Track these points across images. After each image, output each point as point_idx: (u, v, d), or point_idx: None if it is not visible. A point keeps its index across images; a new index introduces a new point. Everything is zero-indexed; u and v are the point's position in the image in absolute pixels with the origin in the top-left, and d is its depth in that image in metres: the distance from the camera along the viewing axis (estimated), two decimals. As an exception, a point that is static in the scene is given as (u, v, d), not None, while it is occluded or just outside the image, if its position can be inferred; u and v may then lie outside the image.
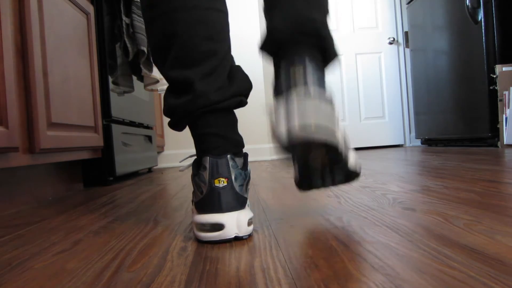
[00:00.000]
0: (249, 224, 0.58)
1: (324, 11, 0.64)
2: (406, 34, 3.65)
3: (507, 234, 0.50)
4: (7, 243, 0.67)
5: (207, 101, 0.61)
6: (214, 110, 0.61)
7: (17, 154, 1.02)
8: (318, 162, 0.62)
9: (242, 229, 0.57)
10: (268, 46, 0.64)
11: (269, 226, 0.66)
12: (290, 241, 0.55)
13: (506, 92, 2.38)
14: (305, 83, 0.55)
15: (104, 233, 0.69)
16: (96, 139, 1.52)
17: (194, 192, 0.62)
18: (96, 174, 1.64)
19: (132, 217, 0.84)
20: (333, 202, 0.83)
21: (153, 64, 1.69)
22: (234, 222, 0.56)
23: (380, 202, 0.79)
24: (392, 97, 3.73)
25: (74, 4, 1.41)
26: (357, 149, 3.67)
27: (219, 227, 0.56)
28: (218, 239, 0.56)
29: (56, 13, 1.26)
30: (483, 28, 2.52)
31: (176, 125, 0.66)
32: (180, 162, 0.82)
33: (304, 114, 0.51)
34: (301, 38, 0.60)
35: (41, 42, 1.15)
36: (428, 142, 3.38)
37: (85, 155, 1.47)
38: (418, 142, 3.67)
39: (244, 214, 0.58)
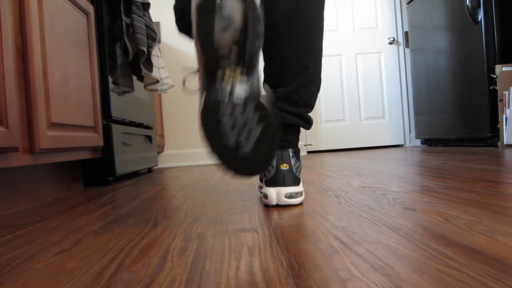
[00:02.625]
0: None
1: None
2: (406, 34, 3.65)
3: (507, 234, 0.50)
4: (7, 243, 0.67)
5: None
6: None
7: (17, 154, 1.02)
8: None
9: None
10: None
11: (269, 226, 0.66)
12: (290, 241, 0.55)
13: (506, 92, 2.38)
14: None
15: (104, 233, 0.69)
16: (96, 139, 1.52)
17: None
18: (96, 174, 1.64)
19: (132, 217, 0.84)
20: (333, 202, 0.83)
21: (153, 65, 1.70)
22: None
23: (380, 202, 0.79)
24: (392, 97, 3.73)
25: (74, 4, 1.41)
26: (357, 149, 3.67)
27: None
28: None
29: (56, 13, 1.26)
30: (483, 28, 2.52)
31: None
32: None
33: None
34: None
35: (41, 42, 1.15)
36: (428, 142, 3.38)
37: (85, 155, 1.47)
38: (418, 142, 3.67)
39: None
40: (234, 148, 0.62)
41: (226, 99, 0.59)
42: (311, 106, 0.88)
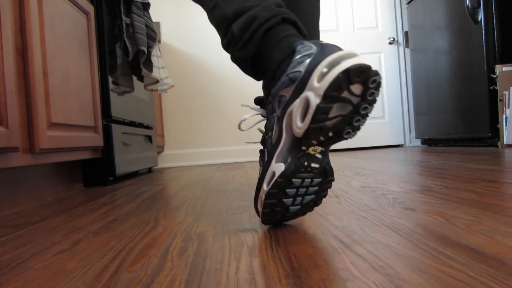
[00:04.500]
0: None
1: None
2: (406, 34, 3.65)
3: (507, 234, 0.50)
4: (7, 243, 0.67)
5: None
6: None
7: (17, 154, 1.02)
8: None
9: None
10: None
11: (269, 226, 0.66)
12: (290, 241, 0.55)
13: (506, 92, 2.38)
14: None
15: (104, 233, 0.69)
16: (96, 139, 1.52)
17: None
18: (96, 174, 1.64)
19: (132, 217, 0.84)
20: (333, 202, 0.83)
21: (153, 65, 1.70)
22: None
23: (380, 202, 0.79)
24: (392, 97, 3.73)
25: (74, 4, 1.41)
26: (357, 149, 3.67)
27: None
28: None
29: (56, 13, 1.26)
30: (483, 28, 2.52)
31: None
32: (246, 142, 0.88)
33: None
34: None
35: (41, 42, 1.15)
36: (428, 142, 3.38)
37: (85, 155, 1.47)
38: (418, 142, 3.67)
39: None
40: (286, 208, 0.61)
41: (304, 171, 0.58)
42: None
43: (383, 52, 3.71)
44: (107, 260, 0.52)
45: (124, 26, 1.56)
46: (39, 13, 1.15)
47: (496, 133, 2.49)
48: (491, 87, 2.49)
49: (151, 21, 1.73)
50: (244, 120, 0.72)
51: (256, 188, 0.63)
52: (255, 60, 0.65)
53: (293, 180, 0.57)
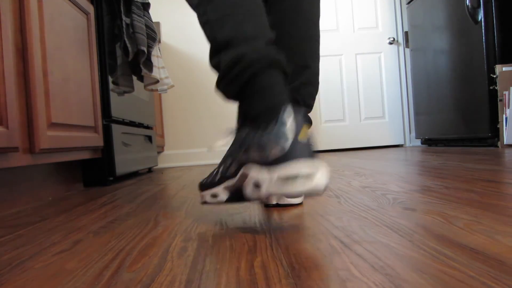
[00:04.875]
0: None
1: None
2: (406, 34, 3.65)
3: (507, 234, 0.50)
4: (7, 243, 0.67)
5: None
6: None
7: (17, 154, 1.02)
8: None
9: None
10: None
11: (269, 226, 0.66)
12: (290, 241, 0.55)
13: (506, 92, 2.38)
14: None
15: (104, 233, 0.69)
16: (96, 139, 1.52)
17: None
18: (96, 174, 1.64)
19: (132, 217, 0.84)
20: (333, 202, 0.83)
21: (153, 65, 1.70)
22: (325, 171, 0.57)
23: (380, 202, 0.79)
24: (392, 97, 3.73)
25: (74, 4, 1.41)
26: (357, 149, 3.67)
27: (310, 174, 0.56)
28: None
29: (56, 13, 1.26)
30: (483, 28, 2.52)
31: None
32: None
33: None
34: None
35: (41, 42, 1.15)
36: (428, 142, 3.38)
37: (85, 155, 1.47)
38: (418, 142, 3.67)
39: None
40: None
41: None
42: (310, 106, 0.89)
43: (383, 52, 3.71)
44: (107, 260, 0.52)
45: (124, 26, 1.56)
46: (39, 13, 1.15)
47: (496, 133, 2.49)
48: (491, 87, 2.49)
49: (151, 21, 1.73)
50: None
51: (208, 184, 0.70)
52: (238, 92, 0.66)
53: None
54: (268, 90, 0.62)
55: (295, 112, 0.59)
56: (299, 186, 0.54)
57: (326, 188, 0.54)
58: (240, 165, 0.63)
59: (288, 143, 0.57)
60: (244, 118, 0.65)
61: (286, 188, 0.55)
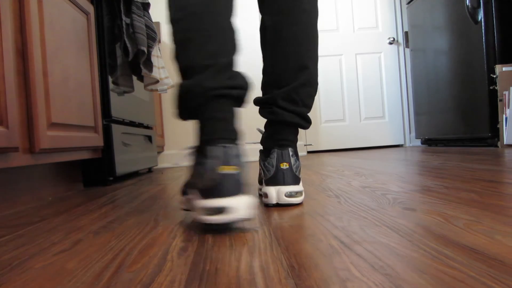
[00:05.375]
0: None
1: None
2: (406, 34, 3.65)
3: (507, 234, 0.50)
4: (7, 243, 0.67)
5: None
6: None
7: (17, 154, 1.02)
8: None
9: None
10: None
11: (269, 226, 0.66)
12: (290, 241, 0.55)
13: (506, 92, 2.38)
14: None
15: (104, 233, 0.69)
16: (96, 139, 1.52)
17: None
18: (96, 174, 1.64)
19: (132, 217, 0.84)
20: (333, 202, 0.83)
21: (153, 65, 1.70)
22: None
23: (380, 202, 0.79)
24: (392, 97, 3.73)
25: (74, 4, 1.41)
26: (357, 149, 3.67)
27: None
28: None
29: (56, 13, 1.26)
30: (483, 28, 2.52)
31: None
32: None
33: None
34: None
35: (41, 42, 1.15)
36: (428, 142, 3.38)
37: (85, 155, 1.47)
38: (418, 142, 3.67)
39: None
40: None
41: None
42: (309, 107, 0.89)
43: (383, 52, 3.71)
44: (107, 260, 0.52)
45: (124, 26, 1.56)
46: (39, 13, 1.15)
47: (496, 133, 2.49)
48: (491, 87, 2.49)
49: (151, 21, 1.73)
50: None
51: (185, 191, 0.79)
52: (187, 118, 0.74)
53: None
54: (208, 122, 0.69)
55: (228, 147, 0.65)
56: (221, 218, 0.61)
57: (250, 218, 0.62)
58: (188, 186, 0.72)
59: (215, 177, 0.63)
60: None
61: (209, 218, 0.62)
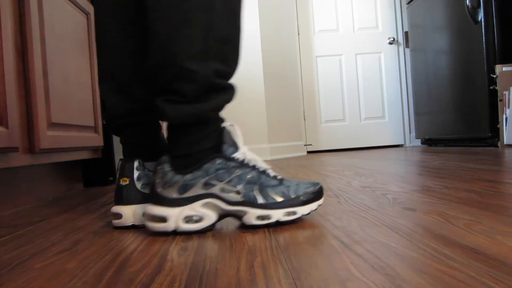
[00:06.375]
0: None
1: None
2: (406, 34, 3.65)
3: (507, 234, 0.50)
4: (7, 243, 0.67)
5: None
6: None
7: (17, 154, 1.02)
8: None
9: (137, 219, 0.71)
10: None
11: (269, 226, 0.66)
12: (290, 241, 0.55)
13: (506, 92, 2.38)
14: None
15: (104, 233, 0.69)
16: (96, 139, 1.52)
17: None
18: (96, 174, 1.64)
19: (132, 217, 0.84)
20: (333, 202, 0.83)
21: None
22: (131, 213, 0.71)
23: (380, 202, 0.79)
24: (392, 97, 3.73)
25: (74, 4, 1.41)
26: (357, 149, 3.67)
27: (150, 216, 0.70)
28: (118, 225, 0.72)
29: (56, 13, 1.26)
30: (483, 28, 2.52)
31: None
32: None
33: None
34: None
35: (41, 42, 1.15)
36: (428, 142, 3.38)
37: (85, 155, 1.47)
38: (418, 142, 3.67)
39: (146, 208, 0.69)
40: None
41: None
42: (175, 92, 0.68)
43: (383, 52, 3.71)
44: (107, 260, 0.52)
45: (124, 26, 1.56)
46: (39, 13, 1.15)
47: (496, 133, 2.49)
48: (491, 87, 2.49)
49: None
50: None
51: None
52: None
53: None
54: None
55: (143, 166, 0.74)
56: (154, 226, 0.64)
57: (177, 231, 0.63)
58: None
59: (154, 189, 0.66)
60: None
61: (146, 223, 0.65)
